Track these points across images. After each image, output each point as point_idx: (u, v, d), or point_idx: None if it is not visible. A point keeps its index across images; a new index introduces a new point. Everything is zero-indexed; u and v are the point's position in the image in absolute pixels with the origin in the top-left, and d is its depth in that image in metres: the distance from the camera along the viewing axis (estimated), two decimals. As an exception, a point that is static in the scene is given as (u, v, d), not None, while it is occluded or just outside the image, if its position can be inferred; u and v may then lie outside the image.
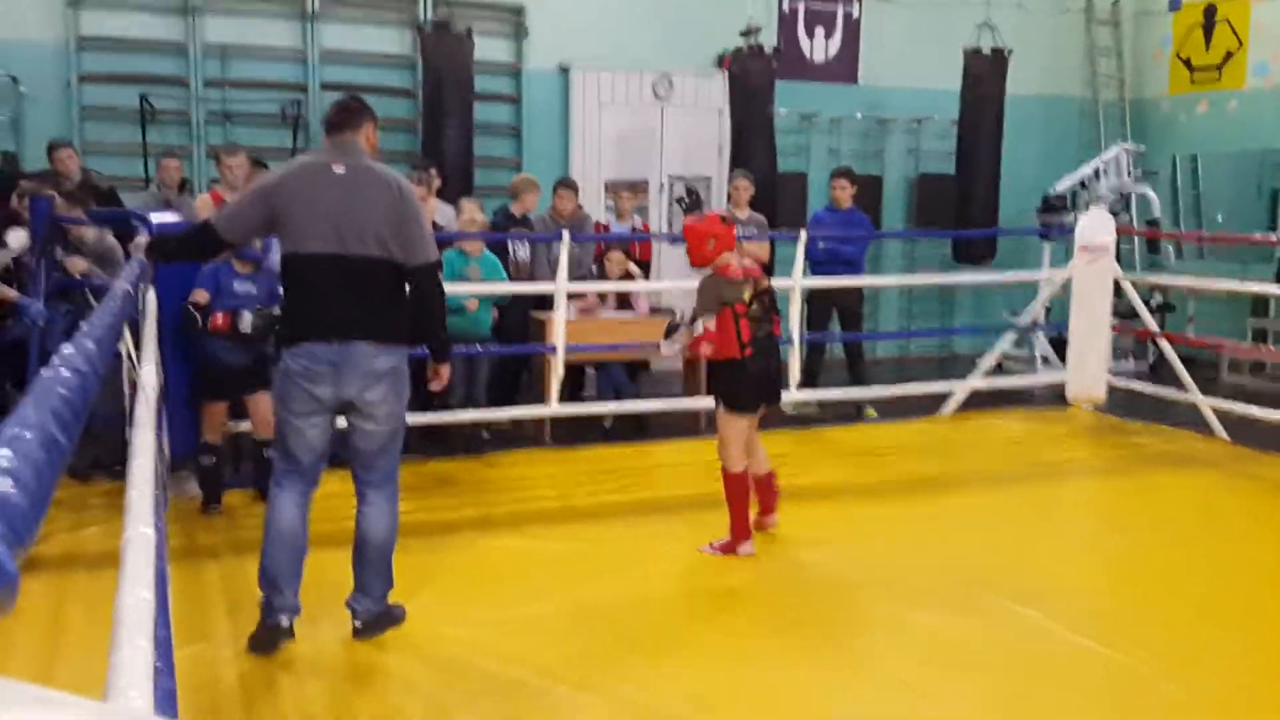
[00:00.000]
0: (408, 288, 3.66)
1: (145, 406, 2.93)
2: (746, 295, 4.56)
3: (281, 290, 3.81)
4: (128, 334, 3.64)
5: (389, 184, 3.61)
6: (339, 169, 3.55)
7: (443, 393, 4.34)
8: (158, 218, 5.19)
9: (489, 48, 8.67)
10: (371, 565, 3.72)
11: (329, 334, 3.49)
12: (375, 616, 3.75)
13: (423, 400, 6.24)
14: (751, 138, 8.65)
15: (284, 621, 3.62)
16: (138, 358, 3.73)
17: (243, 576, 4.28)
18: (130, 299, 3.11)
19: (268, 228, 3.68)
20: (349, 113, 3.70)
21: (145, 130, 7.83)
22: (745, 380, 4.61)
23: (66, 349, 1.67)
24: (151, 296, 4.52)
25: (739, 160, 8.53)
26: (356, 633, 3.73)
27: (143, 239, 4.02)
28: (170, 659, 2.49)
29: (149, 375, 3.35)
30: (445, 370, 3.88)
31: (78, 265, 5.55)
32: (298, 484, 3.67)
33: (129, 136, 7.87)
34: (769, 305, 4.68)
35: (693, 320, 4.63)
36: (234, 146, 6.55)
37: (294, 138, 8.18)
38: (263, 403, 4.90)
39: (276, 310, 4.75)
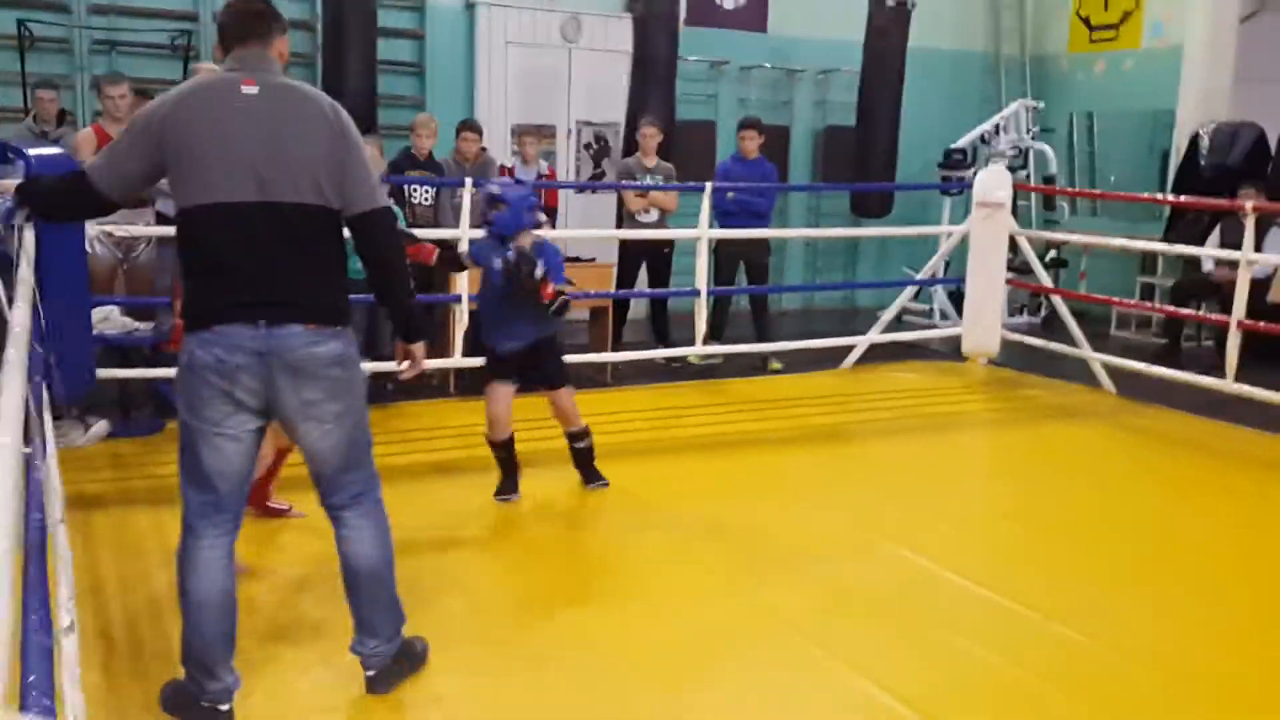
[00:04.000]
0: (355, 244, 2.90)
1: (15, 350, 2.77)
2: None
3: (180, 257, 2.88)
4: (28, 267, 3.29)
5: (320, 106, 2.77)
6: (250, 88, 2.70)
7: (417, 380, 3.41)
8: (35, 152, 4.90)
9: (392, -19, 8.39)
10: (371, 599, 3.00)
11: (252, 314, 2.69)
12: (392, 660, 3.04)
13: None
14: (652, 84, 8.53)
15: (222, 707, 2.84)
16: (7, 297, 3.50)
17: (131, 527, 4.16)
18: None
19: (158, 173, 2.79)
20: (255, 17, 2.81)
21: (24, 58, 7.38)
22: None
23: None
24: (30, 233, 4.28)
25: (637, 106, 8.42)
26: (370, 684, 3.02)
27: (9, 182, 3.42)
28: (47, 613, 2.38)
29: (19, 317, 3.15)
30: (420, 350, 3.08)
31: None
32: (218, 525, 2.81)
33: (6, 65, 7.42)
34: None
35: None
36: (117, 76, 6.21)
37: (184, 70, 7.80)
38: (563, 399, 4.71)
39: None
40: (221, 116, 2.69)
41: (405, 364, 3.11)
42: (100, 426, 5.25)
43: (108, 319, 5.43)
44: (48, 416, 3.66)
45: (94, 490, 4.58)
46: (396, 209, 6.28)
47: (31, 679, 1.71)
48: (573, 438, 4.83)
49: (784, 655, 3.38)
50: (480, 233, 4.83)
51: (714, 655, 3.37)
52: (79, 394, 4.93)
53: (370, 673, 3.02)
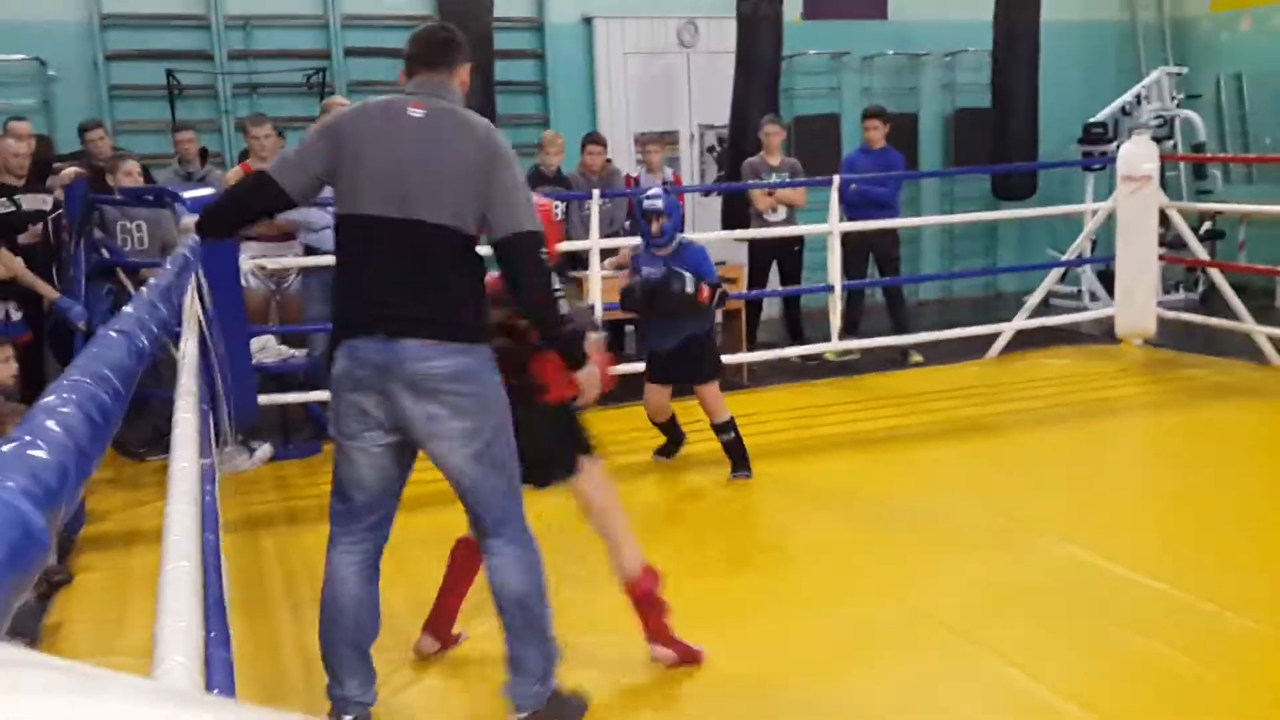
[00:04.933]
0: (500, 269, 2.84)
1: (188, 380, 2.92)
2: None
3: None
4: (196, 303, 3.42)
5: (476, 132, 2.79)
6: (416, 111, 2.77)
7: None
8: (190, 194, 5.19)
9: (509, 3, 8.56)
10: (517, 631, 2.87)
11: (375, 326, 2.70)
12: (544, 707, 2.87)
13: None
14: (755, 83, 8.41)
15: (345, 718, 2.83)
16: (184, 331, 3.68)
17: (297, 546, 4.33)
18: (188, 270, 3.01)
19: (331, 178, 2.84)
20: (439, 46, 2.88)
21: (174, 106, 7.83)
22: None
23: (117, 317, 1.64)
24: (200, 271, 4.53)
25: (740, 105, 8.31)
26: None
27: (189, 220, 3.43)
28: (225, 628, 2.51)
29: (190, 349, 3.34)
30: (587, 378, 2.94)
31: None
32: (352, 533, 2.85)
33: (158, 113, 7.88)
34: (523, 358, 3.12)
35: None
36: (259, 117, 6.51)
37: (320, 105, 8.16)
38: (706, 393, 4.96)
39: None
40: (385, 135, 2.76)
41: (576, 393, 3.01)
42: (264, 450, 5.50)
43: (265, 348, 5.68)
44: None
45: (261, 511, 4.80)
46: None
47: (215, 692, 1.80)
48: (717, 430, 5.02)
49: (939, 652, 3.29)
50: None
51: (868, 653, 3.30)
52: (244, 420, 5.18)
53: (517, 717, 2.88)
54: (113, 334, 1.46)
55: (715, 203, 9.04)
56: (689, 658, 3.23)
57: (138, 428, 5.39)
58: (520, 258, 2.78)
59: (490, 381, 2.79)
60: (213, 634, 2.03)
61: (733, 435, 5.00)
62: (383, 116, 2.79)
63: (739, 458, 5.02)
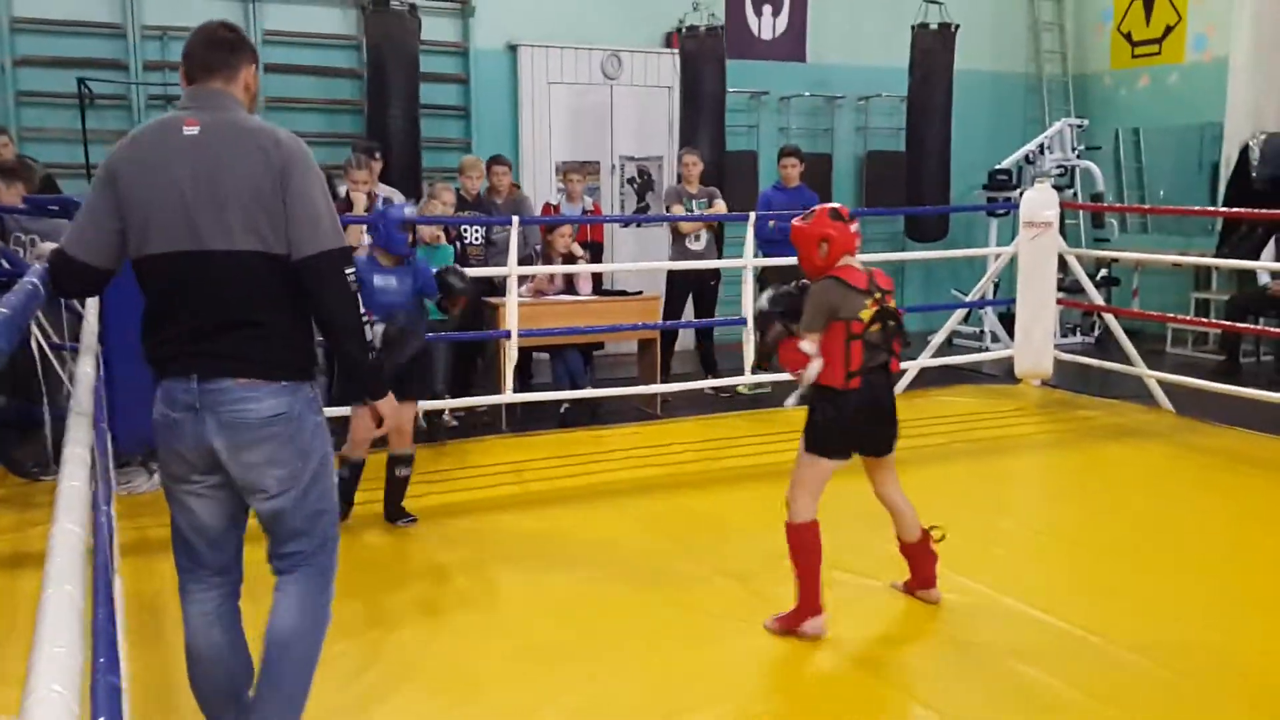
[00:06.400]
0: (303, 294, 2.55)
1: (82, 399, 2.86)
2: (866, 313, 3.64)
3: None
4: (36, 329, 3.25)
5: (260, 142, 2.48)
6: (191, 129, 2.46)
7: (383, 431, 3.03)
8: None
9: (435, 27, 8.58)
10: (270, 678, 2.63)
11: (185, 368, 2.50)
12: None
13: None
14: (700, 116, 8.68)
15: None
16: (71, 350, 3.58)
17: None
18: (37, 294, 2.82)
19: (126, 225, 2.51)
20: (218, 49, 2.56)
21: (85, 115, 7.65)
22: (839, 419, 3.70)
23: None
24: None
25: (688, 139, 8.56)
26: None
27: (45, 247, 3.14)
28: (115, 654, 2.45)
29: (85, 367, 3.27)
30: (384, 409, 2.74)
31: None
32: (203, 581, 2.68)
33: (68, 122, 7.69)
34: (893, 331, 3.72)
35: (786, 333, 3.73)
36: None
37: (237, 121, 8.05)
38: (410, 412, 4.87)
39: (401, 319, 4.65)
40: (160, 162, 2.47)
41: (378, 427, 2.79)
42: (163, 472, 5.36)
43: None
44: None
45: (158, 535, 4.67)
46: (449, 252, 6.46)
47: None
48: (399, 461, 4.82)
49: (839, 685, 3.36)
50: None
51: (767, 685, 3.36)
52: (143, 441, 5.05)
53: None
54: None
55: (633, 232, 9.17)
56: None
57: (33, 446, 5.22)
58: (321, 282, 2.52)
59: (311, 422, 2.60)
60: (101, 660, 1.99)
61: (409, 472, 4.84)
62: (153, 142, 2.50)
63: (400, 499, 4.84)
